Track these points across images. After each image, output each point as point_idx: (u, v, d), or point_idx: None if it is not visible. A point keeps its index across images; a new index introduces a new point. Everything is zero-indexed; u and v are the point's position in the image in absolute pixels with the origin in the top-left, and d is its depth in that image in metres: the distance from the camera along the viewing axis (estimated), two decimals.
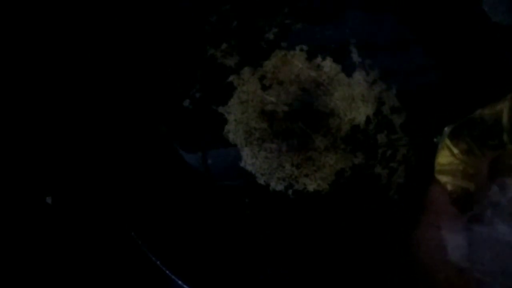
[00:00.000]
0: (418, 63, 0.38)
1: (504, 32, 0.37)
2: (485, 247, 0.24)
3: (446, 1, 0.39)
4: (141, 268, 0.35)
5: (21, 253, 0.36)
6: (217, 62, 0.39)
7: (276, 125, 0.37)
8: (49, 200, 0.37)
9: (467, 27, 0.38)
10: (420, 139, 0.36)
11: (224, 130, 0.37)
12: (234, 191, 0.36)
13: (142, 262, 0.34)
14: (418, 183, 0.35)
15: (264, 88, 0.38)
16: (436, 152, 0.29)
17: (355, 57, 0.38)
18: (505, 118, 0.28)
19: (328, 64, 0.38)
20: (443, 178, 0.29)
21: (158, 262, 0.33)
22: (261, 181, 0.36)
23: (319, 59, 0.39)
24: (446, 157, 0.29)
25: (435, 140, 0.30)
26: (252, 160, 0.37)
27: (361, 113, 0.37)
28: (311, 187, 0.36)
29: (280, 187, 0.36)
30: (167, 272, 0.33)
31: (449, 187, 0.28)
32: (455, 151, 0.29)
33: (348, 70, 0.38)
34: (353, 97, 0.37)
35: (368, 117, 0.37)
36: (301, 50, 0.39)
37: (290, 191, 0.36)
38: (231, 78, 0.39)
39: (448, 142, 0.29)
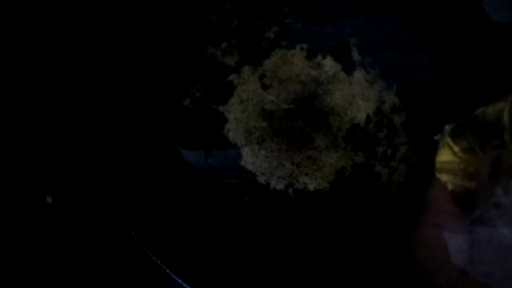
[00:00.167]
0: (418, 62, 0.38)
1: (504, 31, 0.37)
2: (487, 249, 0.24)
3: (447, 0, 0.39)
4: (141, 267, 0.35)
5: (21, 253, 0.36)
6: (217, 61, 0.39)
7: (276, 124, 0.37)
8: (49, 199, 0.37)
9: (467, 26, 0.38)
10: (420, 138, 0.36)
11: (224, 129, 0.37)
12: (235, 190, 0.36)
13: (142, 261, 0.34)
14: (419, 182, 0.35)
15: (264, 87, 0.38)
16: (437, 151, 0.29)
17: (355, 56, 0.38)
18: (506, 117, 0.28)
19: (328, 63, 0.38)
20: (443, 177, 0.29)
21: (158, 261, 0.33)
22: (262, 180, 0.36)
23: (319, 58, 0.39)
24: (447, 155, 0.29)
25: (435, 138, 0.30)
26: (252, 159, 0.37)
27: (361, 112, 0.37)
28: (311, 186, 0.36)
29: (280, 186, 0.36)
30: (167, 271, 0.33)
31: (449, 186, 0.28)
32: (456, 149, 0.29)
33: (349, 69, 0.38)
34: (354, 96, 0.37)
35: (368, 116, 0.37)
36: (301, 49, 0.39)
37: (290, 190, 0.36)
38: (231, 77, 0.39)
39: (449, 140, 0.29)
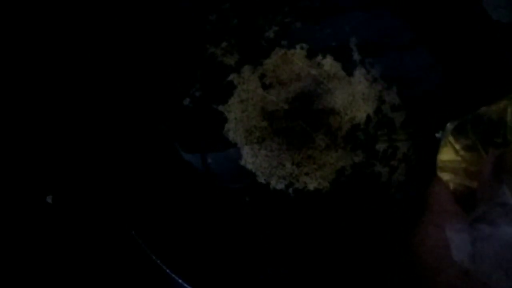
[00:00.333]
0: (418, 62, 0.38)
1: (504, 30, 0.37)
2: (489, 247, 0.24)
3: (446, 0, 0.39)
4: (141, 267, 0.35)
5: (21, 253, 0.36)
6: (217, 61, 0.39)
7: (276, 123, 0.37)
8: (49, 199, 0.37)
9: (467, 25, 0.38)
10: (420, 137, 0.36)
11: (224, 128, 0.37)
12: (234, 189, 0.36)
13: (142, 261, 0.34)
14: (419, 181, 0.35)
15: (265, 86, 0.38)
16: (439, 149, 0.29)
17: (356, 55, 0.38)
18: (509, 116, 0.28)
19: (328, 63, 0.38)
20: (445, 176, 0.29)
21: (158, 261, 0.33)
22: (262, 179, 0.36)
23: (319, 58, 0.39)
24: (449, 154, 0.29)
25: (436, 135, 0.29)
26: (252, 158, 0.37)
27: (361, 111, 0.37)
28: (311, 186, 0.36)
29: (280, 185, 0.36)
30: (167, 271, 0.33)
31: (451, 185, 0.28)
32: (458, 148, 0.29)
33: (349, 68, 0.38)
34: (354, 96, 0.37)
35: (368, 116, 0.37)
36: (302, 48, 0.39)
37: (290, 190, 0.36)
38: (231, 76, 0.39)
39: (451, 138, 0.29)
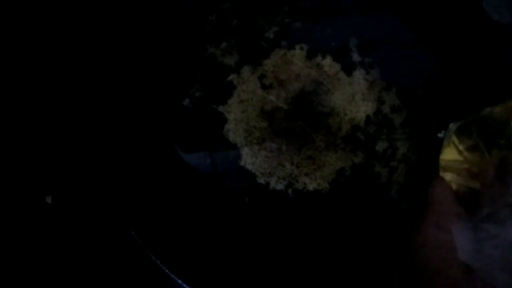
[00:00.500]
0: (418, 62, 0.38)
1: (504, 31, 0.37)
2: (496, 248, 0.24)
3: (447, 0, 0.39)
4: (141, 267, 0.35)
5: (21, 253, 0.36)
6: (217, 61, 0.39)
7: (276, 124, 0.37)
8: (49, 199, 0.37)
9: (467, 26, 0.38)
10: (420, 138, 0.36)
11: (224, 129, 0.37)
12: (234, 190, 0.36)
13: (142, 261, 0.34)
14: (419, 182, 0.35)
15: (264, 87, 0.38)
16: (441, 149, 0.29)
17: (355, 56, 0.38)
18: None
19: (328, 63, 0.38)
20: (447, 176, 0.28)
21: (158, 261, 0.33)
22: (261, 180, 0.36)
23: (319, 58, 0.39)
24: (452, 154, 0.29)
25: (439, 135, 0.29)
26: (252, 159, 0.37)
27: (361, 112, 0.37)
28: (311, 186, 0.36)
29: (280, 186, 0.36)
30: (167, 271, 0.33)
31: (454, 186, 0.28)
32: (461, 148, 0.28)
33: (348, 69, 0.38)
34: (353, 96, 0.37)
35: (368, 116, 0.37)
36: (301, 49, 0.39)
37: (290, 190, 0.36)
38: (231, 77, 0.38)
39: (454, 138, 0.28)
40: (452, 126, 0.28)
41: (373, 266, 0.33)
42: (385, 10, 0.39)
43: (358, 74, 0.38)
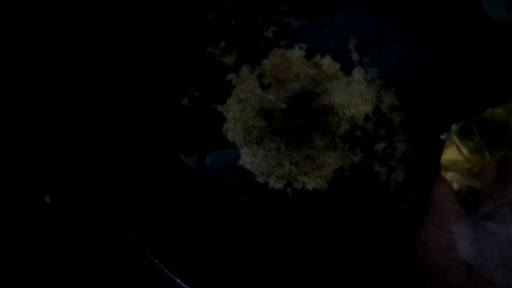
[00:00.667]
0: (417, 62, 0.38)
1: (503, 30, 0.37)
2: (496, 246, 0.24)
3: (446, 0, 0.39)
4: (140, 267, 0.35)
5: (20, 253, 0.36)
6: (215, 61, 0.39)
7: (275, 123, 0.37)
8: (47, 199, 0.37)
9: (466, 25, 0.38)
10: (419, 137, 0.36)
11: (223, 128, 0.37)
12: (233, 189, 0.36)
13: (141, 261, 0.34)
14: (418, 182, 0.35)
15: (263, 86, 0.38)
16: (443, 149, 0.29)
17: (354, 55, 0.38)
18: None
19: (327, 62, 0.38)
20: (449, 176, 0.29)
21: (156, 261, 0.33)
22: (260, 179, 0.36)
23: (318, 57, 0.39)
24: (453, 154, 0.29)
25: (441, 137, 0.29)
26: (250, 158, 0.37)
27: (360, 111, 0.37)
28: (310, 186, 0.36)
29: (279, 185, 0.36)
30: (166, 271, 0.33)
31: (455, 185, 0.28)
32: (463, 149, 0.29)
33: (347, 68, 0.38)
34: (352, 95, 0.37)
35: (367, 115, 0.37)
36: (300, 48, 0.39)
37: (289, 190, 0.36)
38: (229, 76, 0.38)
39: (455, 139, 0.29)
40: (454, 127, 0.29)
41: (373, 266, 0.33)
42: (385, 10, 0.40)
43: (357, 73, 0.38)
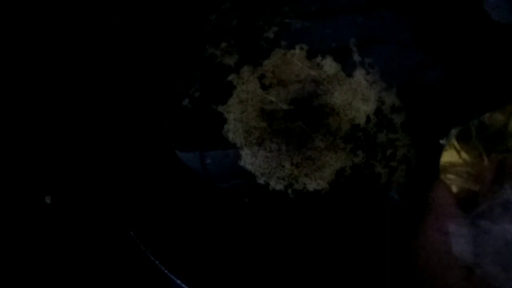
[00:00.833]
0: (418, 62, 0.38)
1: (505, 31, 0.37)
2: (490, 245, 0.24)
3: (447, 0, 0.39)
4: (140, 268, 0.35)
5: (20, 253, 0.36)
6: (216, 61, 0.39)
7: (275, 124, 0.37)
8: (48, 199, 0.37)
9: (467, 26, 0.38)
10: (420, 138, 0.36)
11: (224, 129, 0.37)
12: (233, 190, 0.36)
13: (141, 262, 0.34)
14: (419, 183, 0.35)
15: (264, 87, 0.38)
16: (442, 151, 0.29)
17: (355, 56, 0.38)
18: (511, 125, 0.28)
19: (328, 63, 0.38)
20: (448, 178, 0.29)
21: (157, 262, 0.33)
22: (261, 180, 0.36)
23: (319, 58, 0.38)
24: (452, 157, 0.29)
25: (441, 141, 0.29)
26: (251, 159, 0.36)
27: (361, 112, 0.37)
28: (311, 187, 0.36)
29: (279, 186, 0.36)
30: (166, 272, 0.33)
31: (454, 188, 0.28)
32: (462, 152, 0.29)
33: (348, 69, 0.38)
34: (353, 96, 0.37)
35: (368, 116, 0.37)
36: (301, 49, 0.39)
37: (289, 191, 0.36)
38: (230, 77, 0.38)
39: (455, 142, 0.29)
40: (453, 131, 0.29)
41: (374, 268, 0.33)
42: (386, 11, 0.39)
43: (358, 74, 0.38)
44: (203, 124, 0.38)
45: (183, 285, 0.33)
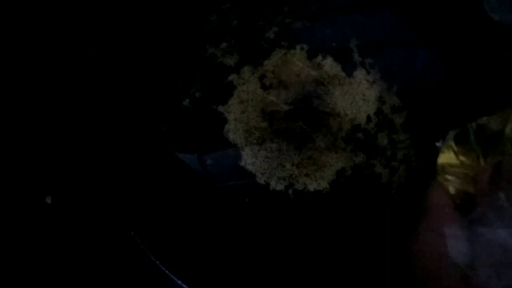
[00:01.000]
0: (418, 63, 0.38)
1: (505, 31, 0.37)
2: (485, 250, 0.24)
3: (448, 0, 0.39)
4: (140, 268, 0.35)
5: (21, 253, 0.36)
6: (217, 61, 0.39)
7: (276, 124, 0.37)
8: (48, 200, 0.37)
9: (468, 26, 0.38)
10: (421, 138, 0.36)
11: (224, 129, 0.37)
12: (234, 190, 0.36)
13: (141, 262, 0.34)
14: (419, 183, 0.35)
15: (264, 87, 0.38)
16: (439, 153, 0.29)
17: (356, 56, 0.38)
18: (508, 128, 0.28)
19: (328, 63, 0.38)
20: (445, 180, 0.29)
21: (158, 262, 0.33)
22: (261, 180, 0.36)
23: (319, 58, 0.38)
24: (449, 158, 0.29)
25: (437, 144, 0.30)
26: (252, 159, 0.36)
27: (361, 112, 0.37)
28: (311, 187, 0.36)
29: (280, 186, 0.36)
30: (166, 272, 0.33)
31: (451, 190, 0.28)
32: (459, 153, 0.29)
33: (349, 69, 0.38)
34: (354, 96, 0.37)
35: (368, 116, 0.37)
36: (302, 49, 0.39)
37: (290, 191, 0.36)
38: (231, 77, 0.38)
39: (452, 144, 0.29)
40: (451, 133, 0.29)
41: (373, 267, 0.33)
42: (386, 11, 0.39)
43: (359, 74, 0.38)
44: (204, 124, 0.38)
45: (183, 285, 0.33)
